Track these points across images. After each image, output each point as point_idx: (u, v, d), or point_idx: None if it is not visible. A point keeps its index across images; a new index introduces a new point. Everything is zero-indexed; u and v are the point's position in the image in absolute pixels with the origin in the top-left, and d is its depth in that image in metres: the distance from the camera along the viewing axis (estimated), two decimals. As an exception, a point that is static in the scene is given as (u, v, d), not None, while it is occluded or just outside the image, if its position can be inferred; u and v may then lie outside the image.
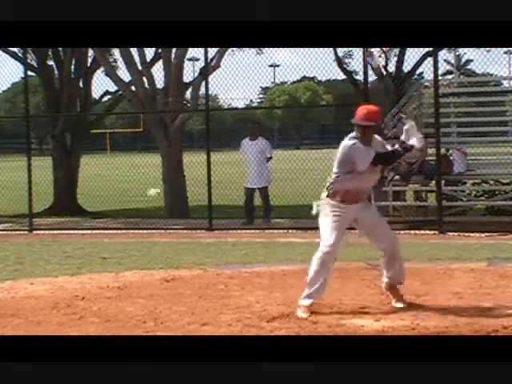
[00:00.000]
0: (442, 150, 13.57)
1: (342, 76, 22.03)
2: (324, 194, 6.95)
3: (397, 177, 13.81)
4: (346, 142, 6.80)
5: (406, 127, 7.02)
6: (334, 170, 6.88)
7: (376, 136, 6.94)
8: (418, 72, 20.16)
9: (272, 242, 11.86)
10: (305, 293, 6.84)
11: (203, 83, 15.14)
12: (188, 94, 17.13)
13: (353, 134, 6.85)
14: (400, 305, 6.99)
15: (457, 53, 34.38)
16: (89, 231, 14.28)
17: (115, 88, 18.79)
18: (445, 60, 47.88)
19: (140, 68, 16.66)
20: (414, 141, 6.98)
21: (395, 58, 20.22)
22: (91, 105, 20.16)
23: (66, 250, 11.43)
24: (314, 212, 7.00)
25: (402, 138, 6.99)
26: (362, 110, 6.87)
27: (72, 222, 16.00)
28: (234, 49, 19.41)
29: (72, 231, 14.37)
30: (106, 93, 20.42)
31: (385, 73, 20.05)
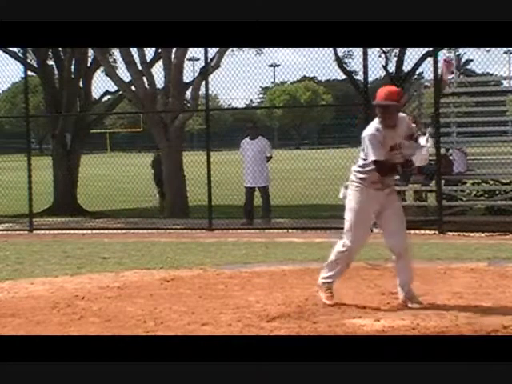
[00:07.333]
0: (442, 150, 13.57)
1: (342, 76, 22.10)
2: (353, 177, 6.94)
3: (397, 177, 13.79)
4: (366, 132, 6.79)
5: (423, 144, 6.93)
6: (361, 156, 6.88)
7: (403, 115, 6.90)
8: (418, 72, 20.21)
9: (272, 242, 11.85)
10: (320, 276, 7.00)
11: (203, 83, 15.15)
12: (188, 93, 17.15)
13: (375, 121, 6.81)
14: (416, 305, 6.87)
15: (457, 53, 34.38)
16: (89, 231, 14.29)
17: (115, 88, 18.81)
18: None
19: (140, 68, 16.66)
20: (417, 160, 6.96)
21: (395, 58, 20.28)
22: (91, 105, 20.17)
23: (66, 249, 11.43)
24: (340, 196, 7.02)
25: (410, 151, 6.91)
26: (381, 90, 6.81)
27: (72, 222, 16.00)
28: (234, 49, 19.47)
29: (72, 231, 14.38)
30: (106, 93, 20.44)
31: (384, 73, 20.09)
